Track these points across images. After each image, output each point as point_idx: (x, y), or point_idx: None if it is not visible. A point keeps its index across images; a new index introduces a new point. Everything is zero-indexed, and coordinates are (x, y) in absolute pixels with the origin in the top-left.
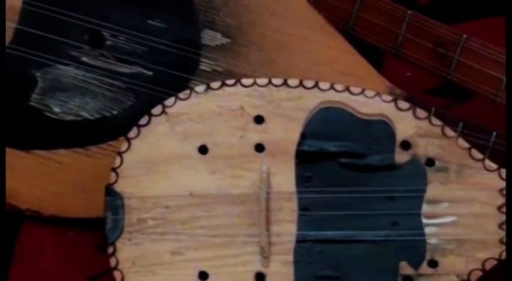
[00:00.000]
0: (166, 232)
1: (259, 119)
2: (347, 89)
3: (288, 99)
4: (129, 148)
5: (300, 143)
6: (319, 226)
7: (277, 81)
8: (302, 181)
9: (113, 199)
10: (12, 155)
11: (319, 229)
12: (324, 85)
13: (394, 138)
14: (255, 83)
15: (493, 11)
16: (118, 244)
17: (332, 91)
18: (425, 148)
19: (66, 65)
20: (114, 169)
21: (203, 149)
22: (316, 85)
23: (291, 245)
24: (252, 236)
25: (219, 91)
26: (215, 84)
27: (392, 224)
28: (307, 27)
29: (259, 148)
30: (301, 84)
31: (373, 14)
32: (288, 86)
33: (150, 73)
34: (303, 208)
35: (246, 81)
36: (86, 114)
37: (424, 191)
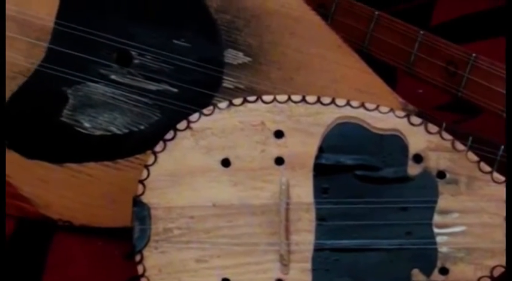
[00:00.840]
0: (191, 240)
1: (279, 134)
2: (362, 105)
3: (306, 115)
4: (155, 161)
5: (317, 157)
6: (336, 235)
7: (296, 97)
8: (320, 192)
9: (140, 209)
10: (45, 168)
11: (336, 238)
12: (341, 101)
13: (407, 152)
14: (275, 99)
15: (500, 31)
16: (145, 252)
17: (348, 107)
18: (436, 161)
19: (96, 82)
20: (141, 181)
21: (226, 162)
22: (333, 101)
23: (309, 254)
24: (272, 244)
25: (241, 107)
26: (237, 101)
27: (406, 234)
28: (325, 47)
29: (279, 161)
30: (319, 100)
31: (387, 34)
32: (306, 102)
33: (176, 90)
34: (320, 218)
35: (266, 97)
36: (114, 129)
37: (435, 202)
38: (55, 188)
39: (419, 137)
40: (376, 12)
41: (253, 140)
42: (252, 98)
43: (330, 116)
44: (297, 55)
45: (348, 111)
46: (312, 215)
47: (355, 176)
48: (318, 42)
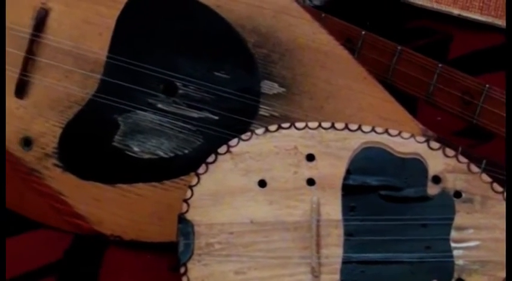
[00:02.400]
0: (230, 254)
1: (310, 157)
2: (386, 131)
3: (335, 140)
4: (198, 182)
5: (345, 178)
6: (362, 249)
7: (326, 124)
8: (347, 210)
9: (185, 226)
10: (98, 188)
11: (362, 251)
12: (366, 128)
13: (427, 173)
14: (306, 126)
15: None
16: (189, 265)
17: (373, 133)
18: (453, 182)
19: (144, 110)
20: (185, 200)
21: (262, 183)
22: (359, 128)
23: (338, 266)
24: (304, 258)
25: (276, 133)
26: (272, 127)
27: (425, 248)
28: (352, 78)
29: (311, 182)
30: (346, 127)
31: (409, 67)
32: (335, 128)
33: (216, 118)
34: (348, 233)
35: (299, 124)
36: (161, 153)
37: (452, 219)
38: (107, 207)
39: (437, 160)
40: (399, 47)
41: (287, 163)
42: (286, 125)
43: (356, 141)
44: (327, 86)
45: (372, 137)
46: (340, 231)
47: (379, 196)
48: (346, 74)
